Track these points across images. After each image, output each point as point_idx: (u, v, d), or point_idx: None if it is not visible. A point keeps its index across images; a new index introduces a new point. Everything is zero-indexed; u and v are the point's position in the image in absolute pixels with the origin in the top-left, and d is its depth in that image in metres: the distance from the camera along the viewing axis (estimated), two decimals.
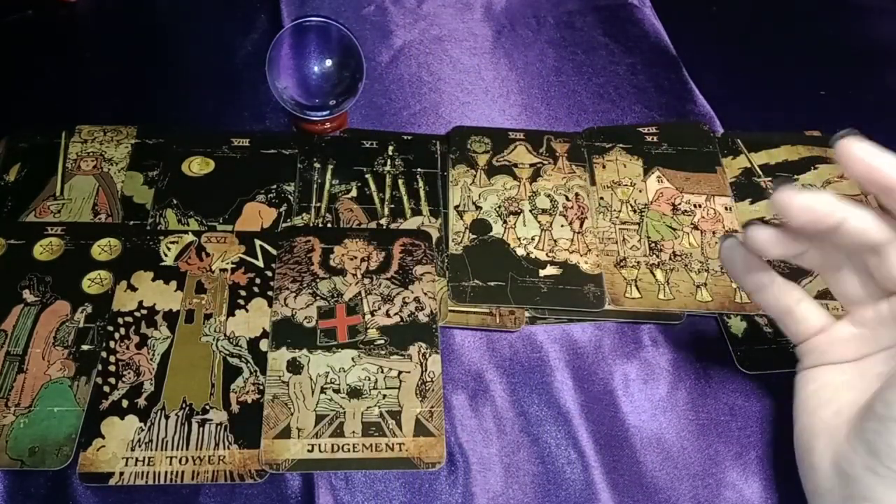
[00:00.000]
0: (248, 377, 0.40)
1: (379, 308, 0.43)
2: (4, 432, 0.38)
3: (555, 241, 0.47)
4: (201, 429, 0.38)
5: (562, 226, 0.48)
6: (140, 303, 0.43)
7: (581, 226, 0.48)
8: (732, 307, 0.45)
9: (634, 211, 0.49)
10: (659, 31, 0.62)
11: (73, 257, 0.44)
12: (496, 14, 0.62)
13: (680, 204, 0.49)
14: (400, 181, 0.50)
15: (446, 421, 0.40)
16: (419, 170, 0.50)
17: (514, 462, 0.39)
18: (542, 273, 0.45)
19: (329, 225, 0.47)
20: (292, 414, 0.39)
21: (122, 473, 0.37)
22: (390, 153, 0.51)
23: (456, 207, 0.48)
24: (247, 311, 0.43)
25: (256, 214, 0.47)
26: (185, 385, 0.40)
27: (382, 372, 0.41)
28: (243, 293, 0.43)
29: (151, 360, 0.41)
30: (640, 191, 0.50)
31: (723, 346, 0.44)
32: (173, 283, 0.44)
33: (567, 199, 0.49)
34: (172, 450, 0.38)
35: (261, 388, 0.40)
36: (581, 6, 0.63)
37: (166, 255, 0.45)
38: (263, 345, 0.42)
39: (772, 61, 0.60)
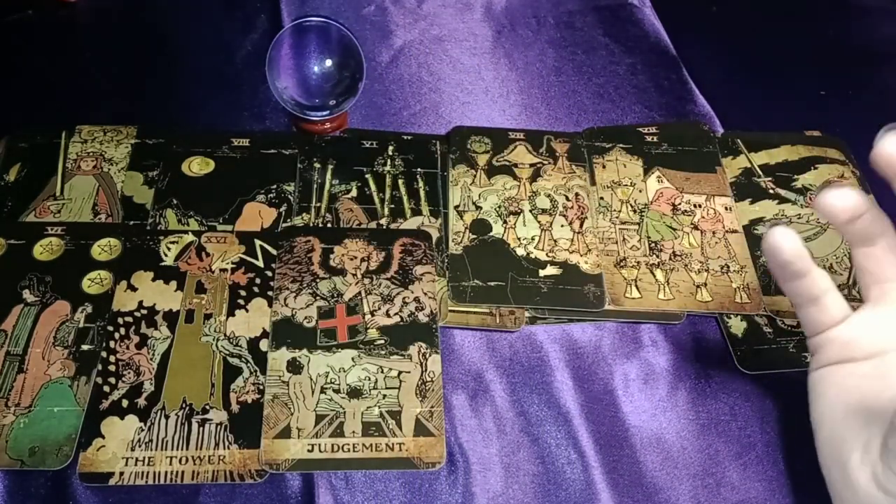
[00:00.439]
0: (248, 377, 0.40)
1: (379, 308, 0.43)
2: (4, 432, 0.38)
3: (555, 241, 0.47)
4: (201, 429, 0.38)
5: (562, 226, 0.48)
6: (140, 303, 0.43)
7: (581, 226, 0.48)
8: (732, 307, 0.45)
9: (634, 211, 0.49)
10: (659, 31, 0.62)
11: (73, 257, 0.44)
12: (496, 14, 0.62)
13: (680, 204, 0.49)
14: (400, 181, 0.50)
15: (446, 421, 0.40)
16: (419, 170, 0.50)
17: (514, 462, 0.39)
18: (542, 273, 0.45)
19: (329, 225, 0.47)
20: (292, 414, 0.39)
21: (122, 473, 0.37)
22: (390, 153, 0.51)
23: (456, 207, 0.48)
24: (247, 311, 0.43)
25: (256, 214, 0.47)
26: (185, 385, 0.40)
27: (382, 372, 0.41)
28: (243, 293, 0.43)
29: (151, 359, 0.41)
30: (640, 191, 0.50)
31: (723, 346, 0.44)
32: (173, 283, 0.44)
33: (567, 199, 0.49)
34: (172, 450, 0.38)
35: (261, 388, 0.40)
36: (581, 6, 0.63)
37: (166, 255, 0.45)
38: (263, 345, 0.42)
39: (772, 61, 0.60)
